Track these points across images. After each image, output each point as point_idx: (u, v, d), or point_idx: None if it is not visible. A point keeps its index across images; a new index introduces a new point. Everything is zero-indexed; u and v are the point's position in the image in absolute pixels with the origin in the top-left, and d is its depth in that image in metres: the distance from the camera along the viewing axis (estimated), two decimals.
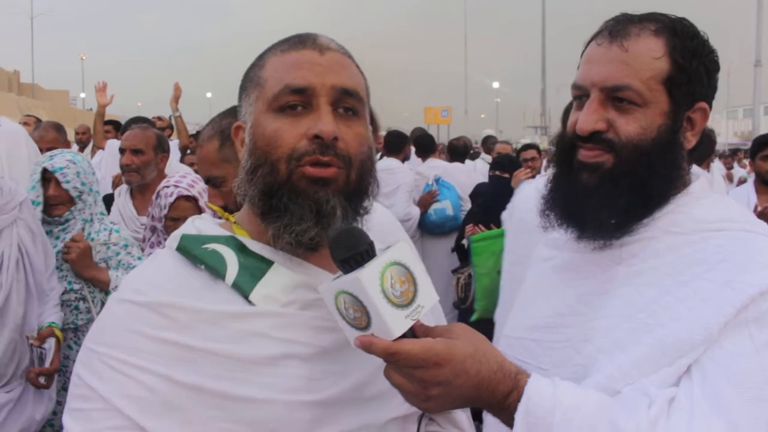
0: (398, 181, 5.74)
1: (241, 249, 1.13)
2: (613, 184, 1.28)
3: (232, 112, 1.92)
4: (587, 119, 1.28)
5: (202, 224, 1.18)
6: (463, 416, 1.29)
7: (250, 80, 1.18)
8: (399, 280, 0.99)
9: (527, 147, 7.08)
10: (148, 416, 1.00)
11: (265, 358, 1.04)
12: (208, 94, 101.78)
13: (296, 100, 1.09)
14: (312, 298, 1.11)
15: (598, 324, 1.26)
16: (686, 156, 1.34)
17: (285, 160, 1.08)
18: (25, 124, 6.31)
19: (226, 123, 1.91)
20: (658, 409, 1.06)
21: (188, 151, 7.34)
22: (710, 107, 1.32)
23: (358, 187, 1.12)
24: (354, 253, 0.99)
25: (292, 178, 1.08)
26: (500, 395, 1.05)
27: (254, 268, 1.11)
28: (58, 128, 5.29)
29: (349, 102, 1.12)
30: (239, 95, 1.21)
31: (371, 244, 1.01)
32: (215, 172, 1.95)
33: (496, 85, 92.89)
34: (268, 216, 1.09)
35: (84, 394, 1.04)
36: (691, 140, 1.32)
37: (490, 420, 1.20)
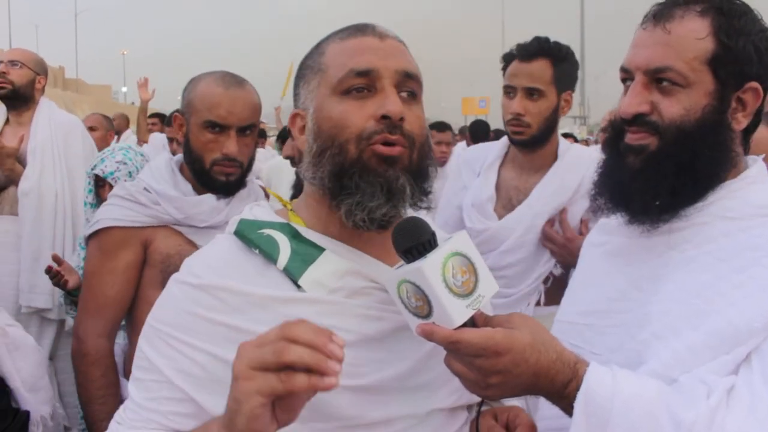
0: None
1: (294, 236, 1.16)
2: (657, 167, 1.28)
3: None
4: (630, 102, 1.29)
5: (259, 211, 1.23)
6: (516, 404, 1.30)
7: (309, 68, 1.21)
8: (460, 270, 1.00)
9: (564, 136, 7.40)
10: (200, 391, 1.07)
11: None
12: None
13: (361, 83, 1.13)
14: (360, 286, 1.13)
15: (652, 309, 1.25)
16: (739, 138, 1.32)
17: (354, 141, 1.11)
18: None
19: None
20: (717, 399, 1.06)
21: None
22: (765, 87, 1.29)
23: (420, 167, 1.16)
24: (417, 243, 1.01)
25: (363, 157, 1.11)
26: (559, 384, 1.06)
27: (306, 254, 1.14)
28: (105, 117, 5.74)
29: (411, 85, 1.16)
30: (296, 84, 1.24)
31: (433, 235, 1.03)
32: None
33: None
34: (339, 195, 1.12)
35: (145, 366, 1.13)
36: (741, 121, 1.30)
37: (543, 404, 1.21)
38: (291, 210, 1.23)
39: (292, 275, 1.12)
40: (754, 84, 1.28)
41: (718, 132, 1.27)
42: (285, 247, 1.14)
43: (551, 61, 2.35)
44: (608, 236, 1.47)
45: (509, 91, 2.40)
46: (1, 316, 2.04)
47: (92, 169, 2.84)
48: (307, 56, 1.23)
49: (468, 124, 11.91)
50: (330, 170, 1.12)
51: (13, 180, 3.30)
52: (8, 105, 3.51)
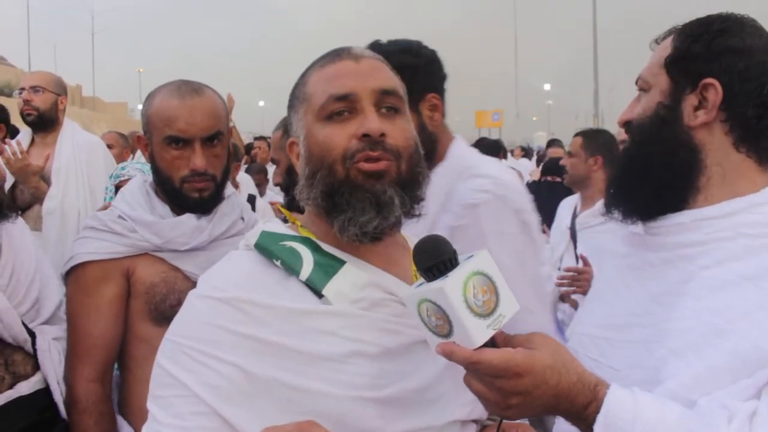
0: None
1: (316, 248, 1.20)
2: (627, 164, 1.42)
3: None
4: (622, 113, 1.44)
5: (274, 227, 1.27)
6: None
7: (296, 98, 1.28)
8: (481, 290, 1.00)
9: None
10: (226, 404, 1.08)
11: (333, 355, 1.11)
12: (261, 103, 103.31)
13: (342, 107, 1.18)
14: (379, 297, 1.17)
15: (672, 326, 1.23)
16: (725, 141, 1.30)
17: (340, 161, 1.17)
18: None
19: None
20: (740, 424, 1.03)
21: (243, 163, 7.49)
22: (725, 84, 1.28)
23: (410, 177, 1.20)
24: (438, 261, 1.02)
25: (350, 176, 1.16)
26: (579, 406, 1.06)
27: (327, 265, 1.18)
28: (121, 134, 5.86)
29: (390, 101, 1.21)
30: (288, 114, 1.31)
31: (454, 253, 1.04)
32: (275, 155, 2.55)
33: (547, 87, 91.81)
34: (333, 212, 1.17)
35: (167, 382, 1.13)
36: (699, 117, 1.30)
37: (560, 421, 1.21)
38: (301, 226, 1.26)
39: (316, 286, 1.15)
40: (709, 80, 1.29)
41: (667, 126, 1.32)
42: (308, 259, 1.18)
43: None
44: (632, 248, 1.46)
45: None
46: (51, 328, 1.95)
47: (115, 178, 2.91)
48: (294, 87, 1.30)
49: (480, 137, 11.91)
50: (322, 190, 1.18)
51: (38, 198, 3.40)
52: (34, 127, 3.63)
